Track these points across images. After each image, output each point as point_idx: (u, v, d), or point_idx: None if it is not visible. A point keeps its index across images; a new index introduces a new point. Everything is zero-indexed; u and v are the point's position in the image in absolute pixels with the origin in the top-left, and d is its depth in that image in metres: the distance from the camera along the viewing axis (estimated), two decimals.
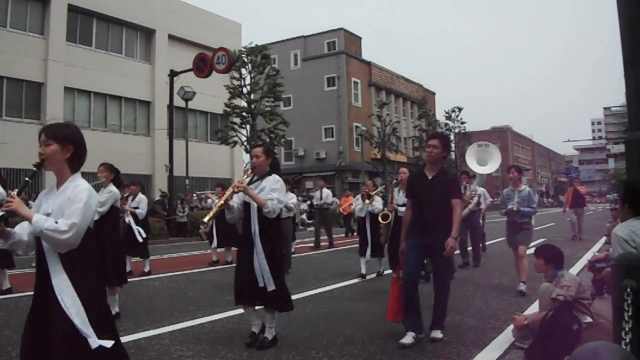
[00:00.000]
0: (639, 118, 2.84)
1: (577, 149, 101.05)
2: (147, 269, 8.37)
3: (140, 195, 8.36)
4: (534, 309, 4.89)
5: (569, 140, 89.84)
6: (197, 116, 25.40)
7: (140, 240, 8.03)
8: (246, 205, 4.09)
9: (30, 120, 19.16)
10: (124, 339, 4.34)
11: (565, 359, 3.07)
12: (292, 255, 10.67)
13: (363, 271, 7.66)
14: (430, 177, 4.27)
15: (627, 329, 2.16)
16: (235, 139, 23.39)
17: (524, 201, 6.50)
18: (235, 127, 23.25)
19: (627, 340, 2.14)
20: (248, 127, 23.33)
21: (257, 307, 4.24)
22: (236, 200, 4.10)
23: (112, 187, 5.30)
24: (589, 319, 3.71)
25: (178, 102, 18.63)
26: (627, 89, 2.88)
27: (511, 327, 4.19)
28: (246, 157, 27.84)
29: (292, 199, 8.71)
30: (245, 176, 4.19)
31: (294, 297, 6.28)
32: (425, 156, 4.35)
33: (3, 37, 18.19)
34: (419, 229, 4.21)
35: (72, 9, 20.20)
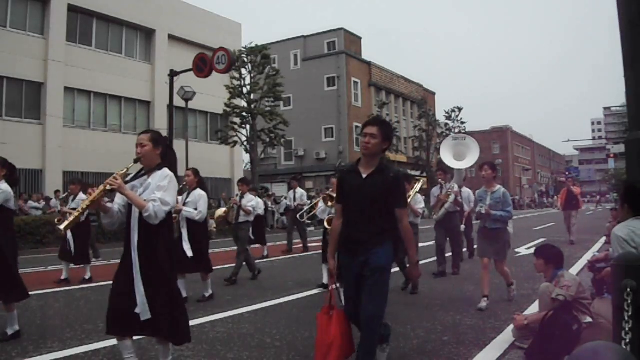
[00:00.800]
0: (639, 118, 2.84)
1: (577, 149, 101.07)
2: (87, 276, 7.92)
3: (82, 195, 7.71)
4: (534, 309, 4.89)
5: (569, 140, 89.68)
6: (197, 116, 25.40)
7: (74, 249, 7.67)
8: (130, 208, 3.20)
9: (30, 120, 19.16)
10: None
11: (565, 359, 3.08)
12: (264, 260, 10.35)
13: (324, 280, 6.75)
14: (364, 176, 3.25)
15: (627, 329, 2.16)
16: (235, 139, 23.41)
17: (498, 204, 5.60)
18: (235, 127, 23.27)
19: (627, 340, 2.14)
20: (248, 127, 23.37)
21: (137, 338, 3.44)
22: (118, 202, 3.26)
23: (3, 185, 4.56)
24: (589, 319, 3.71)
25: (178, 102, 18.62)
26: (627, 89, 2.88)
27: (511, 327, 4.20)
28: (246, 157, 27.91)
29: (251, 201, 8.12)
30: (125, 170, 3.26)
31: (295, 296, 6.33)
32: (360, 148, 3.33)
33: (3, 37, 18.18)
34: (349, 243, 3.27)
35: (72, 9, 20.19)
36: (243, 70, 23.36)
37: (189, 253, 5.97)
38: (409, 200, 6.34)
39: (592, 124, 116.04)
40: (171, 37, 24.19)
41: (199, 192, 6.18)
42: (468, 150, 7.54)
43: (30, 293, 6.79)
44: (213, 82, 20.87)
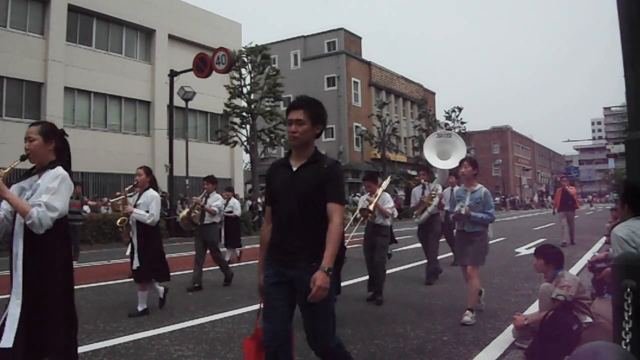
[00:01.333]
0: (639, 118, 2.84)
1: (577, 149, 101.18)
2: None
3: None
4: (534, 309, 4.89)
5: (569, 140, 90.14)
6: (197, 116, 25.42)
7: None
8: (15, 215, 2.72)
9: (30, 120, 19.15)
10: (124, 339, 4.37)
11: (565, 359, 3.08)
12: (239, 264, 9.98)
13: None
14: (295, 169, 2.65)
15: (627, 329, 2.16)
16: (235, 139, 23.43)
17: (478, 204, 5.03)
18: (235, 127, 23.29)
19: (627, 340, 2.13)
20: (248, 127, 23.39)
21: None
22: (5, 207, 2.76)
23: None
24: (589, 319, 3.71)
25: (178, 102, 18.65)
26: (627, 89, 2.88)
27: (511, 327, 4.20)
28: (246, 157, 27.92)
29: (216, 200, 7.39)
30: (8, 168, 2.82)
31: None
32: (288, 138, 2.72)
33: (3, 37, 18.19)
34: (278, 252, 2.62)
35: (72, 9, 20.21)
36: (243, 70, 23.39)
37: (136, 264, 5.41)
38: (375, 199, 5.92)
39: (592, 124, 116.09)
40: (171, 37, 24.21)
41: (151, 193, 5.53)
42: (454, 148, 6.80)
43: None
44: (213, 82, 20.89)
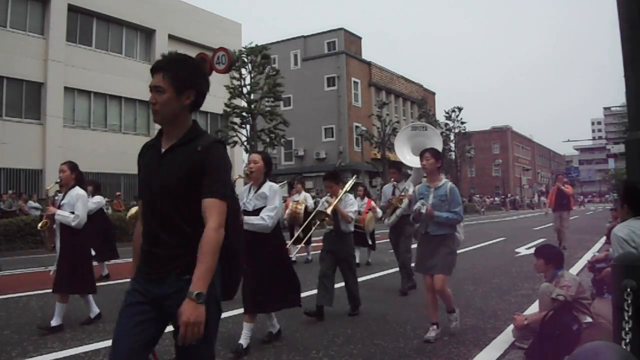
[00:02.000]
0: (639, 118, 2.84)
1: (577, 149, 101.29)
2: None
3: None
4: (534, 309, 4.89)
5: (569, 140, 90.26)
6: (197, 116, 25.15)
7: None
8: None
9: (30, 120, 19.17)
10: None
11: (565, 359, 3.08)
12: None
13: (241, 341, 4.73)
14: (163, 150, 2.01)
15: (627, 329, 2.16)
16: (235, 139, 23.44)
17: (443, 202, 4.31)
18: (235, 127, 23.31)
19: (627, 340, 2.14)
20: (248, 127, 23.41)
21: None
22: None
23: None
24: (589, 319, 3.71)
25: None
26: (627, 89, 2.89)
27: (511, 327, 4.20)
28: (246, 157, 27.91)
29: None
30: None
31: None
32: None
33: (3, 37, 18.19)
34: (145, 262, 1.99)
35: (72, 9, 20.20)
36: (243, 70, 23.39)
37: (62, 270, 4.83)
38: (335, 201, 5.19)
39: (592, 124, 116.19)
40: (171, 37, 24.20)
41: (77, 192, 4.95)
42: (429, 142, 5.94)
43: (30, 293, 6.86)
44: (213, 82, 20.42)
